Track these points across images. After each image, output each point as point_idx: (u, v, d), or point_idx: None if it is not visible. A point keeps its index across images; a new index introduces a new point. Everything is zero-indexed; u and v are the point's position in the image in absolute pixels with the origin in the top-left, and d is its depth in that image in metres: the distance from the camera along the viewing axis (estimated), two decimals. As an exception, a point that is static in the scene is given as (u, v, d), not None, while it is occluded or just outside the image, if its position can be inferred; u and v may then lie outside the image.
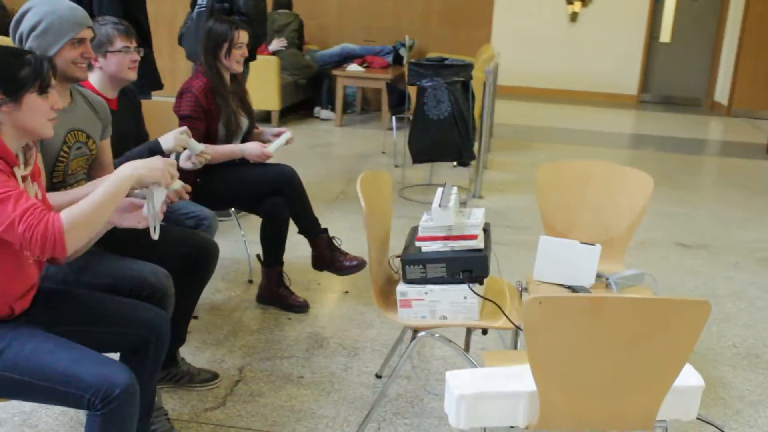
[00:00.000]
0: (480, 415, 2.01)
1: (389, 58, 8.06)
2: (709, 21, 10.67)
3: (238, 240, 4.38)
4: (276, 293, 3.67)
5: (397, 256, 2.78)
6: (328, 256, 3.64)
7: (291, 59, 7.69)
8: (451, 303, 2.55)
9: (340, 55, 8.05)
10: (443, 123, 5.07)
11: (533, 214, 5.45)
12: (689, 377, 2.10)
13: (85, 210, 1.86)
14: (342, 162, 6.56)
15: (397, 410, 2.93)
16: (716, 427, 2.89)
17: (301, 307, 3.68)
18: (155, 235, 2.08)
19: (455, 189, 2.60)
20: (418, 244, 2.57)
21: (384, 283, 2.80)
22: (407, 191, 5.84)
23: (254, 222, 3.98)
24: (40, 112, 2.00)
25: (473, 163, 5.82)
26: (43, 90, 1.99)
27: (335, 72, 7.79)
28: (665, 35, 10.70)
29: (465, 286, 2.53)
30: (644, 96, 10.99)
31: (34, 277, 2.11)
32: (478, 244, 2.54)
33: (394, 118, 6.57)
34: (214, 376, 3.02)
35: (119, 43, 2.82)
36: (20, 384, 1.93)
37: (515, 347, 2.94)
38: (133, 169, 2.00)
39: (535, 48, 10.37)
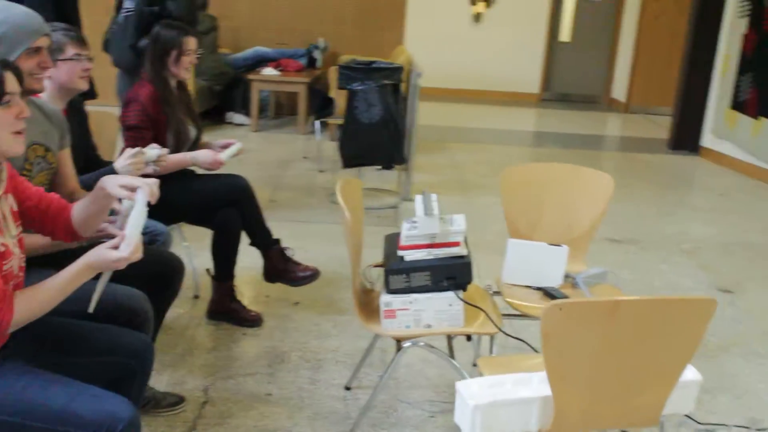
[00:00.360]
0: (494, 423, 1.99)
1: (303, 61, 7.96)
2: (606, 20, 11.06)
3: (179, 253, 4.20)
4: (229, 308, 3.54)
5: (376, 266, 2.73)
6: (281, 268, 3.55)
7: (209, 65, 7.49)
8: (436, 311, 2.52)
9: (254, 58, 7.89)
10: (375, 127, 5.03)
11: (467, 215, 5.48)
12: (687, 372, 2.15)
13: (36, 309, 1.87)
14: (264, 169, 6.43)
15: (373, 422, 2.88)
16: (689, 417, 2.97)
17: (255, 322, 3.57)
18: (91, 309, 1.99)
19: (435, 196, 2.57)
20: (400, 253, 2.52)
21: (360, 294, 2.75)
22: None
23: (196, 233, 3.83)
24: (1, 126, 1.82)
25: (398, 166, 5.80)
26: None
27: (251, 76, 7.63)
28: (565, 35, 11.03)
29: (450, 294, 2.51)
30: (546, 94, 11.28)
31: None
32: (462, 250, 2.52)
33: (318, 122, 6.49)
34: (180, 399, 2.88)
35: (71, 51, 2.65)
36: (12, 427, 1.77)
37: (491, 352, 2.93)
38: (93, 273, 1.92)
39: (441, 49, 10.48)
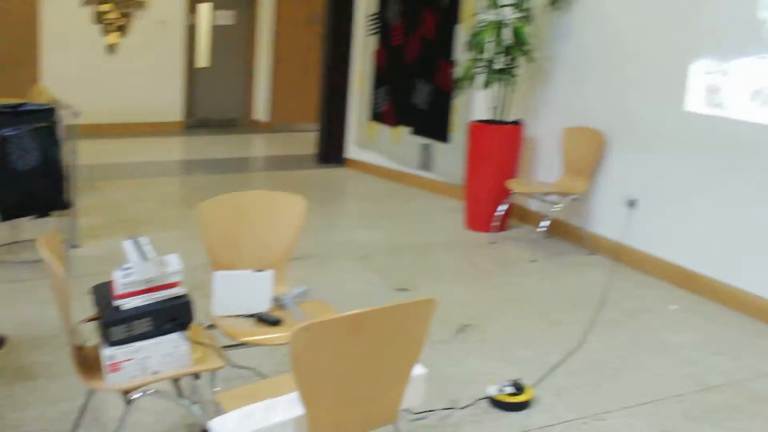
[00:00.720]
0: (254, 454, 2.02)
1: None
2: (242, 44, 11.34)
3: None
4: None
5: (89, 320, 2.58)
6: (-40, 341, 3.18)
7: None
8: (162, 355, 2.46)
9: None
10: (33, 173, 4.70)
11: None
12: (415, 368, 2.35)
13: None
14: None
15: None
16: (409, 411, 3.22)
17: (-66, 407, 3.16)
18: None
19: (147, 239, 2.51)
20: (117, 302, 2.42)
21: (75, 353, 2.58)
22: (-6, 253, 5.26)
23: None
24: None
25: (61, 211, 5.46)
26: None
27: None
28: (202, 60, 11.11)
29: (174, 336, 2.47)
30: (188, 121, 11.27)
31: None
32: (180, 290, 2.49)
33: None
34: None
35: None
36: None
37: (214, 386, 2.92)
38: None
39: (80, 84, 9.96)
